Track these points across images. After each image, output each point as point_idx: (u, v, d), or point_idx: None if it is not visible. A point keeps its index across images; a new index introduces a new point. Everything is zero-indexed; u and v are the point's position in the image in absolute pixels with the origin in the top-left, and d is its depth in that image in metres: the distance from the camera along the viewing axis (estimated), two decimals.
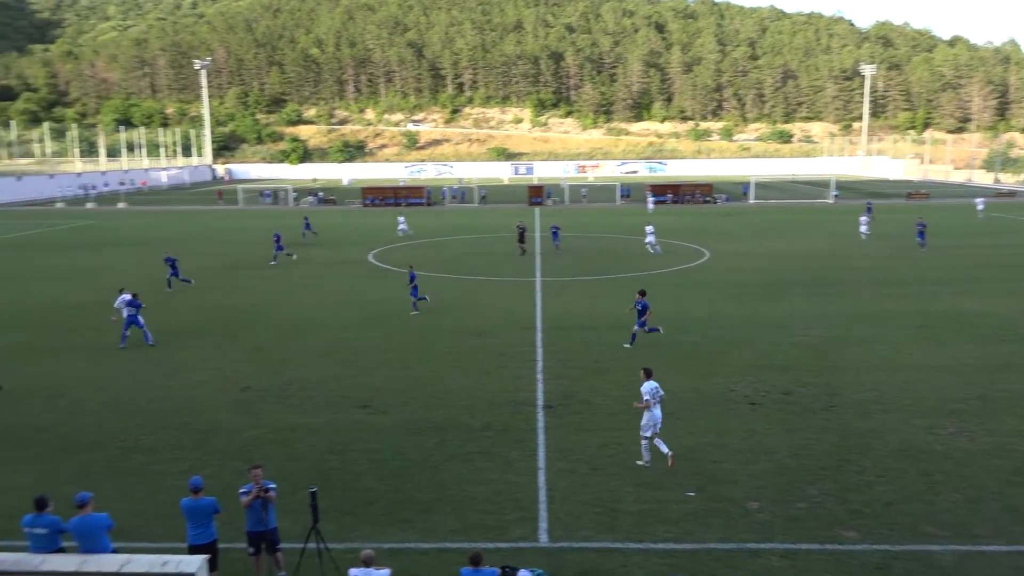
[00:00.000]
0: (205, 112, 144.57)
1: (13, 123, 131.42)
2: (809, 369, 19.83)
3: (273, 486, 10.36)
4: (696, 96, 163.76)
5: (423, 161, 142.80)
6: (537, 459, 14.46)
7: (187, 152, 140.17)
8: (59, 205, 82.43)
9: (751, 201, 75.99)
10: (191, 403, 17.72)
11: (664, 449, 13.92)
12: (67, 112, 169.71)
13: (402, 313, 26.73)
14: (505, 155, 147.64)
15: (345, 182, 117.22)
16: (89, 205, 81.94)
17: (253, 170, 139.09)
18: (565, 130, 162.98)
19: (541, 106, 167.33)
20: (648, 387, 13.85)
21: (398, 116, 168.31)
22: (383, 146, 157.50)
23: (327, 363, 20.80)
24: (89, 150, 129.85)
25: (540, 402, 17.52)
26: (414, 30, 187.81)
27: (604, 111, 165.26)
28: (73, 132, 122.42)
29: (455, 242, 46.14)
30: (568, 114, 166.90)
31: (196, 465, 14.15)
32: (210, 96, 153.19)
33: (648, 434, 13.96)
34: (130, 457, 14.75)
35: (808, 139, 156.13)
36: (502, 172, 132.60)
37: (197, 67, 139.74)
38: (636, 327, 22.04)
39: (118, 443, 15.43)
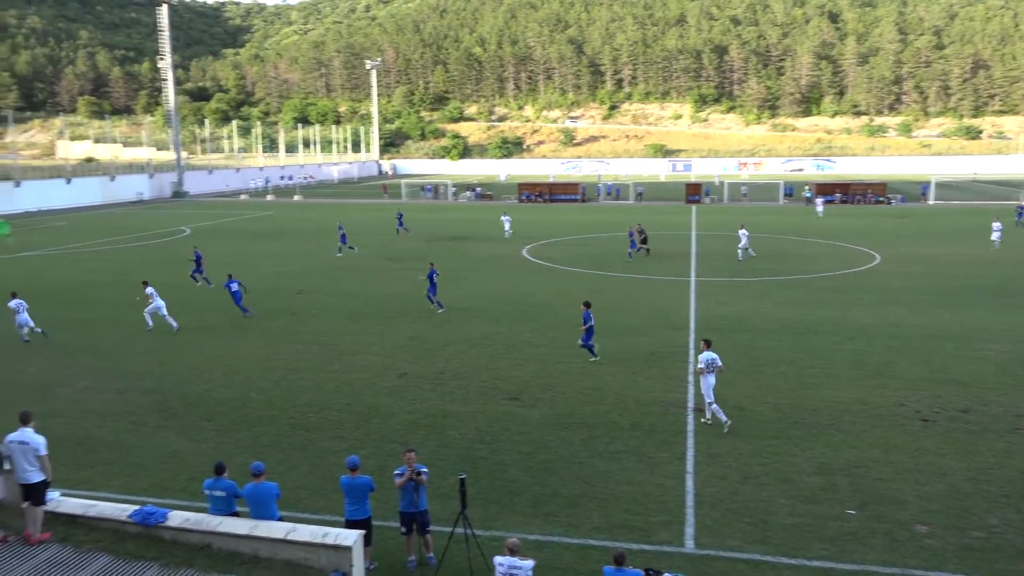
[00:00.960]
0: (374, 110, 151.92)
1: (207, 121, 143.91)
2: (992, 387, 18.13)
3: (425, 470, 10.73)
4: (871, 89, 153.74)
5: (579, 158, 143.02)
6: (685, 462, 14.13)
7: (356, 148, 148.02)
8: (243, 197, 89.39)
9: (931, 202, 70.44)
10: (353, 386, 18.69)
11: (722, 417, 15.45)
12: (252, 111, 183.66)
13: (553, 306, 26.92)
14: (663, 152, 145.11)
15: (502, 178, 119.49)
16: (269, 197, 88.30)
17: (416, 166, 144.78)
18: (726, 126, 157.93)
19: (702, 101, 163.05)
20: (705, 356, 15.52)
21: (556, 113, 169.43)
22: (540, 142, 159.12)
23: (479, 354, 21.29)
24: (270, 146, 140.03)
25: (690, 405, 17.10)
26: (575, 27, 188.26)
27: (769, 106, 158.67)
28: (257, 129, 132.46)
29: (608, 239, 45.85)
30: (730, 109, 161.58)
31: (355, 445, 14.90)
32: (379, 95, 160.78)
33: (709, 399, 15.48)
34: (297, 433, 15.77)
35: (1000, 135, 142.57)
36: (659, 169, 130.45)
37: (368, 67, 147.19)
38: (581, 342, 20.38)
39: (287, 419, 16.54)
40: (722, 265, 35.85)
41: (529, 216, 61.31)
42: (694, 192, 74.45)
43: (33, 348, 22.75)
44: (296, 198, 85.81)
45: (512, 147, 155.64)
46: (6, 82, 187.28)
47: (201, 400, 17.85)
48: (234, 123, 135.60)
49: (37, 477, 10.72)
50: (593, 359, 20.28)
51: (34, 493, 10.73)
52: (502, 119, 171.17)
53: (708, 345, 15.83)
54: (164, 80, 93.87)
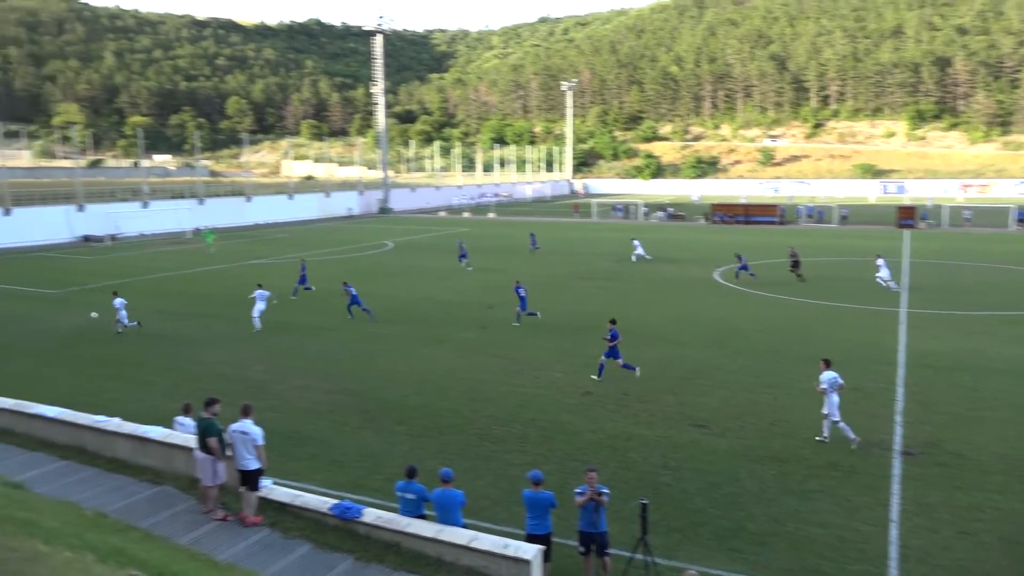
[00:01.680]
0: (568, 130, 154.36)
1: (411, 142, 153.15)
2: None
3: (606, 491, 10.62)
4: None
5: (778, 178, 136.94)
6: (890, 510, 13.00)
7: (549, 167, 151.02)
8: (442, 214, 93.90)
9: None
10: (537, 401, 18.94)
11: (850, 435, 15.57)
12: (453, 132, 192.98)
13: (744, 332, 25.88)
14: (872, 172, 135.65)
15: (694, 198, 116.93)
16: (465, 214, 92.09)
17: (608, 185, 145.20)
18: (947, 144, 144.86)
19: (919, 118, 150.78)
20: (827, 377, 15.75)
21: (754, 131, 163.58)
22: (737, 162, 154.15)
23: (664, 377, 20.86)
24: (468, 165, 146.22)
25: (897, 447, 15.74)
26: (777, 42, 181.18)
27: (1000, 122, 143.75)
28: (457, 150, 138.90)
29: (809, 264, 43.47)
30: (953, 126, 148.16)
31: (538, 460, 15.06)
32: (573, 115, 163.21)
33: (836, 418, 15.68)
34: (483, 444, 16.21)
35: None
36: (867, 190, 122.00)
37: (564, 88, 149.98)
38: (604, 358, 20.87)
39: (474, 430, 17.05)
40: (938, 296, 32.81)
41: (722, 238, 59.46)
42: (907, 215, 68.78)
43: (257, 349, 25.10)
44: (491, 215, 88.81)
45: (707, 167, 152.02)
46: (244, 108, 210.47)
47: (396, 405, 18.82)
48: (436, 144, 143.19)
49: (254, 465, 11.80)
50: (633, 372, 20.93)
51: (250, 479, 11.82)
52: (697, 138, 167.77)
53: (828, 365, 16.06)
54: (375, 104, 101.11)
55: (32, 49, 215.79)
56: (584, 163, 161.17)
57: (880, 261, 34.80)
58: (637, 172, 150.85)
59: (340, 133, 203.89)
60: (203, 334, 27.13)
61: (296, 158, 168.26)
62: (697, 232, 66.07)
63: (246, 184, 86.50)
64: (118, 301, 27.44)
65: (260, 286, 29.23)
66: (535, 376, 21.17)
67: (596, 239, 60.00)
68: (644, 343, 24.84)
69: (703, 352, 23.65)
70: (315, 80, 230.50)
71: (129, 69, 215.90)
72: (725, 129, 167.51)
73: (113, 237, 61.96)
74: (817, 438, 16.08)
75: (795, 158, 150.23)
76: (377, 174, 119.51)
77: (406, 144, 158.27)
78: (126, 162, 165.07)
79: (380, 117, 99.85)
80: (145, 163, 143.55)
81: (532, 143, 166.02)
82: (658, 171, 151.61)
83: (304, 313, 30.50)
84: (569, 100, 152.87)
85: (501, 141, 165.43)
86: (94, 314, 29.79)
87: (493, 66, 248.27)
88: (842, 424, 15.67)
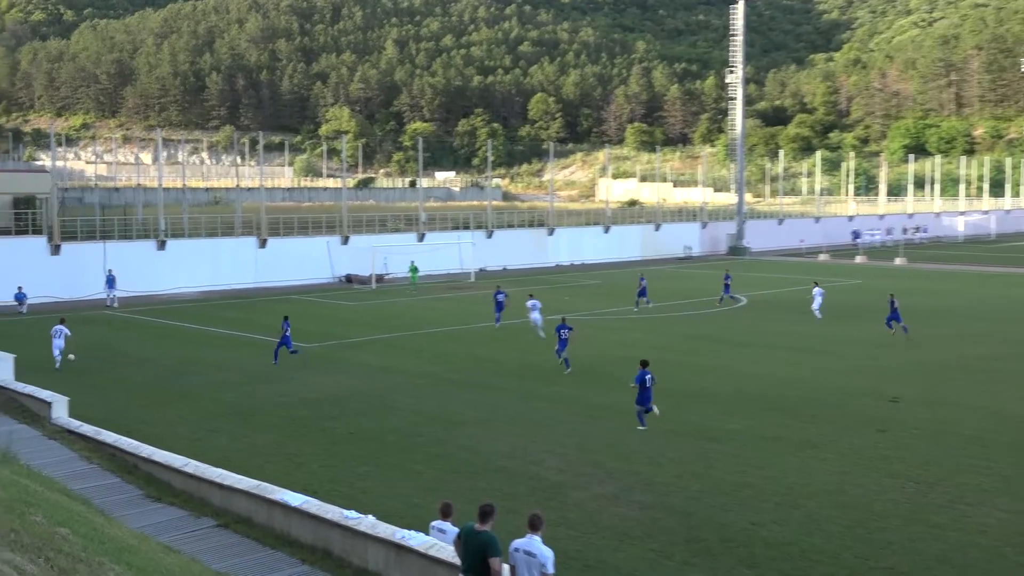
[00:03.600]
0: None
1: (781, 153, 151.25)
2: None
3: None
4: None
5: None
6: None
7: (998, 190, 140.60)
8: (822, 257, 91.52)
9: None
10: (964, 558, 17.42)
11: None
12: (844, 137, 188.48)
13: None
14: None
15: None
16: (858, 259, 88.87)
17: None
18: None
19: None
20: None
21: None
22: None
23: None
24: (867, 186, 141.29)
25: None
26: None
27: None
28: (848, 163, 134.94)
29: None
30: None
31: None
32: None
33: None
34: None
35: None
36: None
37: None
38: (639, 406, 26.16)
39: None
40: None
41: None
42: None
43: (552, 436, 26.05)
44: (897, 261, 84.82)
45: None
46: (551, 109, 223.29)
47: (743, 536, 18.36)
48: (818, 154, 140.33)
49: None
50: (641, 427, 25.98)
51: None
52: None
53: None
54: (731, 99, 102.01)
55: (303, 43, 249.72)
56: None
57: (817, 290, 43.66)
58: None
59: (678, 141, 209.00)
60: (484, 413, 28.80)
61: (616, 175, 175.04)
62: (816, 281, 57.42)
63: (547, 211, 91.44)
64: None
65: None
66: (963, 513, 19.55)
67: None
68: None
69: None
70: (647, 68, 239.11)
71: (412, 62, 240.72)
72: None
73: (381, 277, 68.83)
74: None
75: None
76: (728, 198, 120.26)
77: (773, 156, 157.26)
78: (401, 181, 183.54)
79: (737, 118, 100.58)
80: (424, 182, 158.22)
81: (969, 153, 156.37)
82: None
83: (619, 391, 31.03)
84: None
85: (919, 150, 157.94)
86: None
87: (910, 39, 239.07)
88: None
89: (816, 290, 48.60)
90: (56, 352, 35.35)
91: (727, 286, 56.21)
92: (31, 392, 27.03)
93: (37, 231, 60.41)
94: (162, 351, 40.47)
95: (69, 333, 35.79)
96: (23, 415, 26.12)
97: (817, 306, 48.29)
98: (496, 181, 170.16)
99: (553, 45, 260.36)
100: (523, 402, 30.17)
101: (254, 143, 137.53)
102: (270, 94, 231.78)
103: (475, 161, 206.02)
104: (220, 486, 19.03)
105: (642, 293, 53.23)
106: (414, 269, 66.12)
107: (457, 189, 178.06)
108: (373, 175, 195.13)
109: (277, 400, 30.82)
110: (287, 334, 36.27)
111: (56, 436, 24.14)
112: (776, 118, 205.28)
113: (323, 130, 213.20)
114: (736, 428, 26.60)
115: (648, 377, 26.23)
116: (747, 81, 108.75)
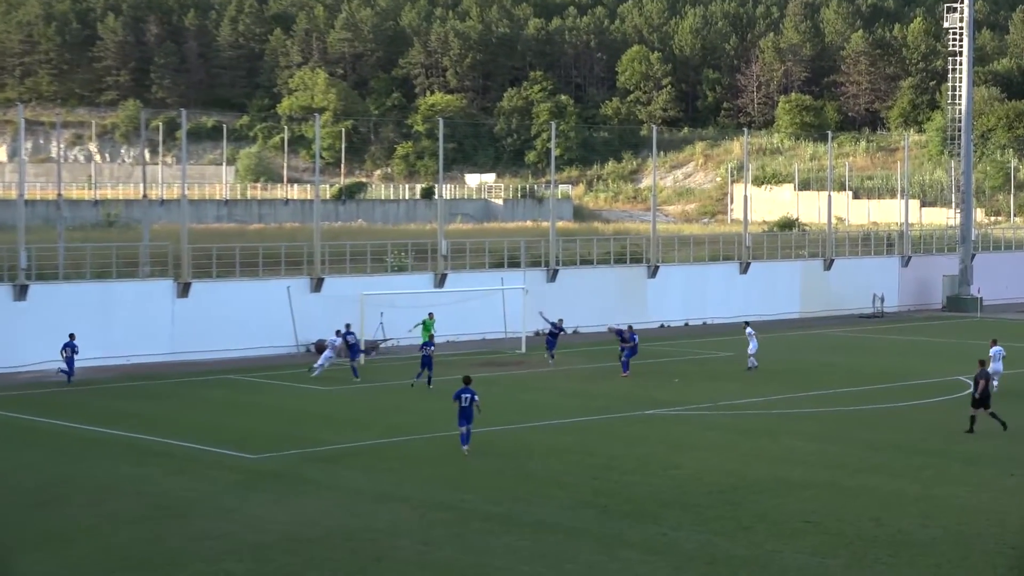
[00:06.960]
0: None
1: None
2: None
3: None
4: None
5: None
6: None
7: None
8: None
9: None
10: None
11: None
12: None
13: None
14: None
15: None
16: None
17: None
18: None
19: None
20: None
21: None
22: None
23: None
24: None
25: None
26: None
27: None
28: None
29: None
30: None
31: None
32: None
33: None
34: None
35: None
36: None
37: None
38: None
39: None
40: None
41: None
42: None
43: None
44: None
45: None
46: (653, 71, 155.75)
47: None
48: None
49: None
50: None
51: None
52: None
53: None
54: (952, 55, 70.27)
55: None
56: None
57: (749, 330, 44.79)
58: None
59: (863, 124, 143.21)
60: (541, 568, 19.92)
61: (761, 180, 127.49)
62: None
63: (647, 237, 70.02)
64: None
65: None
66: None
67: None
68: None
69: None
70: (812, 5, 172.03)
71: None
72: None
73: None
74: None
75: None
76: (945, 215, 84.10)
77: (1022, 148, 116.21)
78: (408, 189, 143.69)
79: (963, 85, 58.55)
80: (447, 190, 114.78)
81: None
82: None
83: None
84: None
85: None
86: None
87: None
88: None
89: None
90: None
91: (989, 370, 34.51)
92: None
93: None
94: (18, 464, 29.59)
95: None
96: None
97: None
98: (563, 189, 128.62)
99: None
100: (603, 551, 21.08)
101: (172, 128, 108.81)
102: (199, 49, 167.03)
103: (529, 157, 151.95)
104: None
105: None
106: (428, 325, 47.11)
107: (500, 202, 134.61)
108: (364, 179, 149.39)
109: (204, 545, 21.47)
110: (354, 343, 31.24)
111: None
112: None
113: (284, 106, 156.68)
114: None
115: (466, 396, 27.75)
116: (978, 25, 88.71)
